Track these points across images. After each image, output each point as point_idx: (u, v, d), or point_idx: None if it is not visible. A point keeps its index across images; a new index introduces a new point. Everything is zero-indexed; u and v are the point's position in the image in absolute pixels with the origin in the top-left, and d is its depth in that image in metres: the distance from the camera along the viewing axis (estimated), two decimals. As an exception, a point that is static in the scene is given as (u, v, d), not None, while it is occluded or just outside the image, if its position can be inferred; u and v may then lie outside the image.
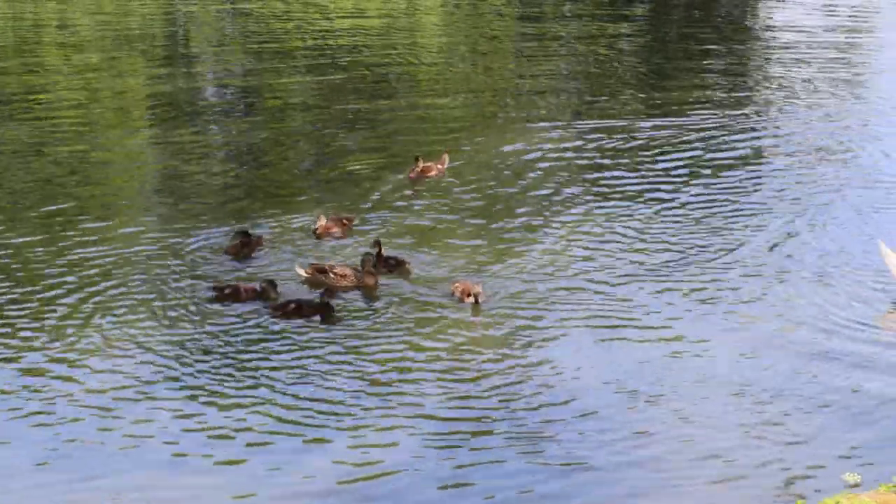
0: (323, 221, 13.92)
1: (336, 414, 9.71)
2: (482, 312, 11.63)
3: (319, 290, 12.21)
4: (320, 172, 17.08)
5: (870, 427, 9.27)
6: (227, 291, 12.03)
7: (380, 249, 12.97)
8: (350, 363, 10.66)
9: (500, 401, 9.85)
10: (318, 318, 11.67)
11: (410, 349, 10.93)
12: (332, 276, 12.45)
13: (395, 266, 12.84)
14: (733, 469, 8.78)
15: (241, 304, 11.92)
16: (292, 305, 11.79)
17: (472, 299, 11.77)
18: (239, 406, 9.86)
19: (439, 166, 16.40)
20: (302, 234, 14.07)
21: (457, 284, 12.05)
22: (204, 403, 9.94)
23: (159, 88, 22.76)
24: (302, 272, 12.63)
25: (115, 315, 11.66)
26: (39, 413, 9.74)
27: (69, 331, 11.31)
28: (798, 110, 21.16)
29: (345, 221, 14.12)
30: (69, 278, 12.55)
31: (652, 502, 8.38)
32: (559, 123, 19.75)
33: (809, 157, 17.93)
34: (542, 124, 19.68)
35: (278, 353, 10.93)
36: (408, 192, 15.81)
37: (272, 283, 12.10)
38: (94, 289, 12.31)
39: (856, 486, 6.58)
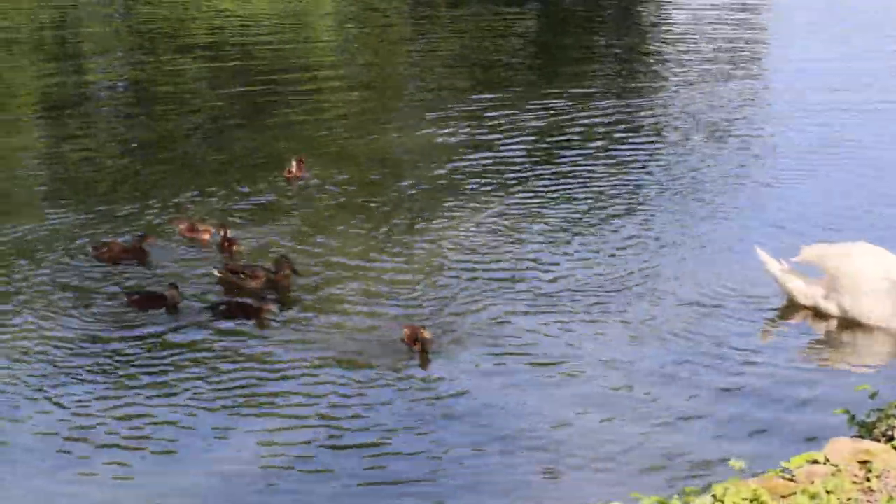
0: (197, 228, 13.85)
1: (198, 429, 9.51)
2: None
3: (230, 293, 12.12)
4: (204, 172, 16.70)
5: (754, 420, 9.49)
6: (135, 297, 11.89)
7: (225, 232, 13.35)
8: (227, 373, 10.47)
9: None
10: (251, 321, 11.49)
11: (314, 366, 10.61)
12: (242, 276, 12.48)
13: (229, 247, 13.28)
14: (620, 464, 8.84)
15: (158, 309, 11.72)
16: (223, 307, 11.69)
17: (418, 346, 10.59)
18: (148, 412, 9.80)
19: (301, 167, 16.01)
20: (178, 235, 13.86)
21: (405, 330, 10.77)
22: (102, 408, 9.83)
23: (47, 85, 22.41)
24: (216, 273, 12.62)
25: (18, 318, 11.49)
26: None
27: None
28: (693, 93, 21.46)
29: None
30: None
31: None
32: (455, 114, 19.80)
33: (702, 143, 18.12)
34: (436, 117, 19.69)
35: (187, 359, 10.79)
36: (287, 193, 15.60)
37: (175, 287, 11.93)
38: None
39: (742, 471, 6.90)
